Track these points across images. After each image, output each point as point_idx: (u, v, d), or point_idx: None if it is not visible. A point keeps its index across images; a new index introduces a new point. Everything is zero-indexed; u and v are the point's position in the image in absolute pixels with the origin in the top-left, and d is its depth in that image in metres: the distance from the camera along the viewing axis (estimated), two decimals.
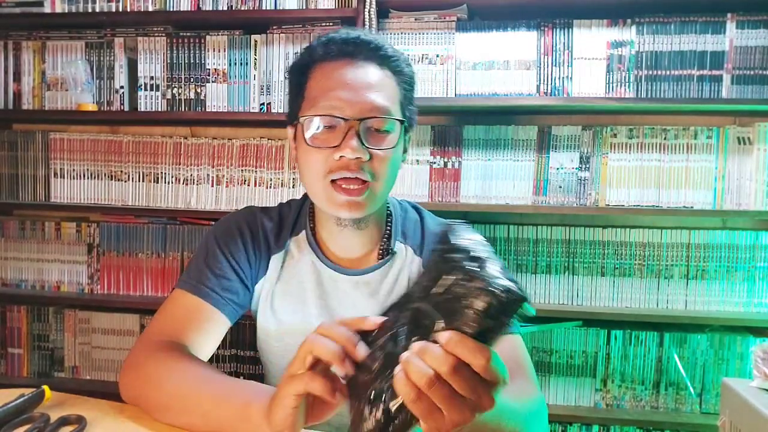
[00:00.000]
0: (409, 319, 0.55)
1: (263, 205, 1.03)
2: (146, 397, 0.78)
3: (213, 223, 1.89)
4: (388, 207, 0.98)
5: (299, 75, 0.89)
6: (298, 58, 0.91)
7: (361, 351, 0.55)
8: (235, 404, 0.69)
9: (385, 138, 0.85)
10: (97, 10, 1.92)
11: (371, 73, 0.85)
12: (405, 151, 0.94)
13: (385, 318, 0.58)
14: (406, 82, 0.90)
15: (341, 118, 0.82)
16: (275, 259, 0.96)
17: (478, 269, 0.49)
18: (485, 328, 0.48)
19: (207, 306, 0.89)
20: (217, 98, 1.89)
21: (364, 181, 0.84)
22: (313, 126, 0.84)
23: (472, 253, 0.52)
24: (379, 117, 0.83)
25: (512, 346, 0.87)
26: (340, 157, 0.82)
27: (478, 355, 0.48)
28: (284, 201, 1.04)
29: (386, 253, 0.95)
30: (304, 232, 0.97)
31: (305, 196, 0.99)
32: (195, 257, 0.96)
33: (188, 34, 1.90)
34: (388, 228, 0.96)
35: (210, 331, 0.90)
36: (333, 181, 0.84)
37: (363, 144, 0.82)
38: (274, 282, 0.96)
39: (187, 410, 0.73)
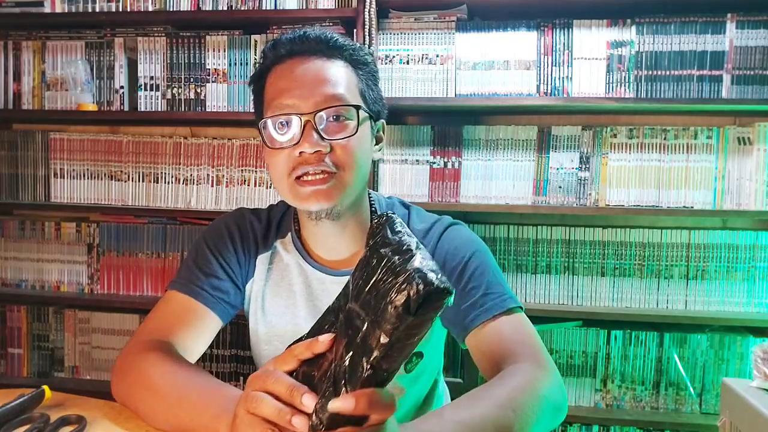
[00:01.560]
0: (343, 322, 0.53)
1: (256, 207, 1.03)
2: (135, 400, 0.77)
3: None
4: (373, 205, 0.96)
5: (257, 82, 0.89)
6: (257, 66, 0.90)
7: (309, 404, 0.51)
8: (208, 415, 0.67)
9: (344, 127, 0.83)
10: (97, 10, 1.92)
11: (322, 66, 0.84)
12: (380, 141, 0.93)
13: (332, 334, 0.54)
14: (364, 71, 0.88)
15: (295, 114, 0.81)
16: (261, 260, 0.95)
17: (403, 263, 0.47)
18: (408, 325, 0.46)
19: (197, 304, 0.89)
20: (217, 98, 1.89)
21: (329, 173, 0.82)
22: (271, 128, 0.84)
23: (402, 246, 0.50)
24: (333, 106, 0.82)
25: (515, 325, 0.83)
26: (300, 153, 0.81)
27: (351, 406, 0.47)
28: (275, 203, 1.03)
29: None
30: (290, 234, 0.96)
31: None
32: (186, 259, 0.96)
33: (188, 34, 1.90)
34: None
35: (200, 329, 0.89)
36: (297, 178, 0.83)
37: (322, 137, 0.81)
38: (262, 284, 0.96)
39: (168, 415, 0.72)
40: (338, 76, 0.84)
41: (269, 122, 0.83)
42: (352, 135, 0.83)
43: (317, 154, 0.81)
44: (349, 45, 0.87)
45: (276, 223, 0.98)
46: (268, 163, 0.87)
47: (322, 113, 0.81)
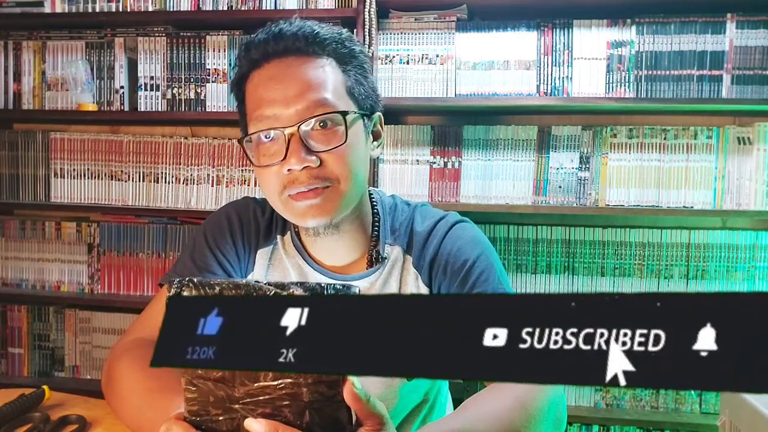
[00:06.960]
0: None
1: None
2: (110, 402, 0.75)
3: None
4: (375, 206, 0.89)
5: (237, 91, 0.83)
6: (235, 73, 0.83)
7: None
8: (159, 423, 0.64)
9: (333, 134, 0.76)
10: (97, 10, 1.92)
11: (302, 67, 0.77)
12: (378, 136, 0.86)
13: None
14: (352, 64, 0.80)
15: (278, 128, 0.75)
16: (262, 254, 0.90)
17: None
18: None
19: None
20: (217, 98, 1.89)
21: (322, 187, 0.76)
22: (255, 144, 0.78)
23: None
24: (318, 115, 0.75)
25: None
26: (289, 170, 0.75)
27: None
28: None
29: (376, 260, 0.86)
30: (289, 233, 0.90)
31: None
32: (183, 251, 0.92)
33: (188, 34, 1.90)
34: (376, 230, 0.87)
35: None
36: (290, 195, 0.77)
37: (309, 150, 0.74)
38: (262, 280, 0.92)
39: (132, 420, 0.70)
40: (321, 77, 0.77)
41: (252, 138, 0.78)
42: (342, 144, 0.76)
43: (306, 170, 0.74)
44: (333, 38, 0.79)
45: (279, 218, 0.90)
46: (258, 180, 0.83)
47: (305, 124, 0.74)
